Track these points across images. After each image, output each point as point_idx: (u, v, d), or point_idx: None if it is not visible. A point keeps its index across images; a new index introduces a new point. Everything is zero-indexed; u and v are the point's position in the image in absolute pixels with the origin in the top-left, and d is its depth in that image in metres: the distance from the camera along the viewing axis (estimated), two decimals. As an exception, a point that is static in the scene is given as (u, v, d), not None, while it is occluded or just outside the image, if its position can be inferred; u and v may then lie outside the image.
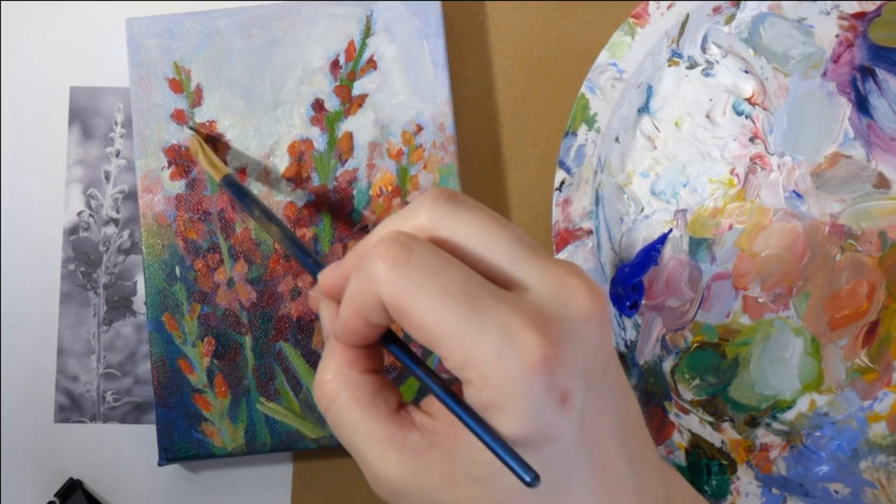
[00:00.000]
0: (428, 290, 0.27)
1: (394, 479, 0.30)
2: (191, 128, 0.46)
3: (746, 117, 0.48)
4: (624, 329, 0.47)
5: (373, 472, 0.30)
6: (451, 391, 0.29)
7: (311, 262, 0.35)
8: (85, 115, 0.50)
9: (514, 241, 0.29)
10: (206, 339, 0.45)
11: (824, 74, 0.48)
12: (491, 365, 0.27)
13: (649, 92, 0.48)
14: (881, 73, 0.48)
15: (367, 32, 0.47)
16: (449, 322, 0.27)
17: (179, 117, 0.46)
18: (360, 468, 0.31)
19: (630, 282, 0.46)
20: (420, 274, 0.28)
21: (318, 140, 0.47)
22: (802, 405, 0.47)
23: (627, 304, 0.46)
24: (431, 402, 0.31)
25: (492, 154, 0.50)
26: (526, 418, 0.27)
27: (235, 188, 0.42)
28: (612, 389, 0.29)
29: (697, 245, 0.48)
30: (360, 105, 0.47)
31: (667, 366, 0.47)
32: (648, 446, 0.31)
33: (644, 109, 0.48)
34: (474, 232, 0.29)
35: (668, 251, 0.48)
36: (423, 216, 0.29)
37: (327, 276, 0.32)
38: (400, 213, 0.30)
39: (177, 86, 0.47)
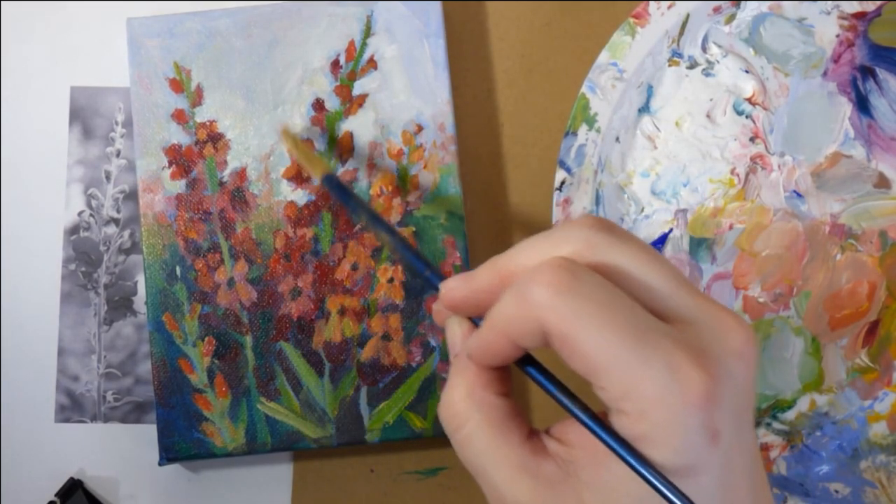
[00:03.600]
0: (595, 320, 0.27)
1: None
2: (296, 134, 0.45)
3: (747, 117, 0.48)
4: (624, 329, 0.47)
5: (501, 498, 0.30)
6: (601, 419, 0.28)
7: (430, 272, 0.33)
8: (85, 114, 0.50)
9: (671, 274, 0.29)
10: (206, 338, 0.45)
11: (825, 74, 0.48)
12: (652, 399, 0.27)
13: (650, 92, 0.48)
14: (881, 73, 0.48)
15: (368, 32, 0.47)
16: (613, 353, 0.27)
17: (180, 117, 0.46)
18: (485, 493, 0.30)
19: (630, 281, 0.46)
20: (587, 303, 0.27)
21: (319, 140, 0.47)
22: (803, 405, 0.47)
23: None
24: (566, 430, 0.30)
25: (492, 154, 0.50)
26: (678, 453, 0.27)
27: (339, 189, 0.39)
28: (749, 429, 0.29)
29: (698, 245, 0.48)
30: (360, 105, 0.47)
31: (667, 365, 0.47)
32: (767, 488, 0.31)
33: (644, 109, 0.48)
34: (634, 262, 0.29)
35: (668, 251, 0.48)
36: (578, 242, 0.29)
37: (454, 289, 0.31)
38: (547, 235, 0.30)
39: (177, 85, 0.47)
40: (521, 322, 0.28)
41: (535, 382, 0.30)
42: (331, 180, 0.40)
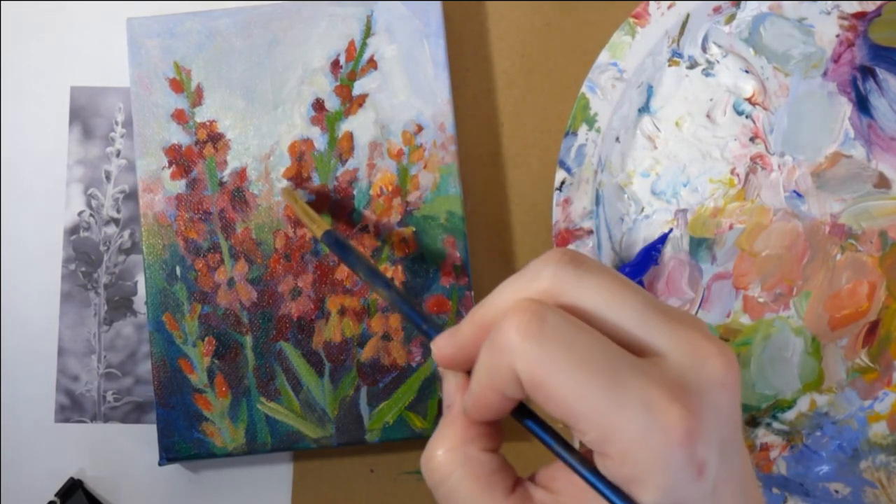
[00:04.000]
0: (565, 362, 0.26)
1: None
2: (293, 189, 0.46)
3: (747, 117, 0.48)
4: (624, 329, 0.47)
5: None
6: (595, 470, 0.28)
7: (427, 326, 0.33)
8: (85, 114, 0.50)
9: (642, 304, 0.28)
10: (206, 338, 0.45)
11: (825, 74, 0.48)
12: (633, 441, 0.26)
13: (650, 92, 0.48)
14: (881, 73, 0.48)
15: (368, 32, 0.47)
16: (588, 397, 0.26)
17: (180, 117, 0.46)
18: None
19: (630, 281, 0.46)
20: (555, 345, 0.27)
21: (319, 140, 0.47)
22: (803, 405, 0.47)
23: (628, 303, 0.46)
24: (552, 477, 0.30)
25: (492, 154, 0.50)
26: (665, 491, 0.26)
27: (338, 245, 0.40)
28: (738, 455, 0.29)
29: (698, 245, 0.48)
30: (360, 105, 0.47)
31: (667, 365, 0.47)
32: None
33: (644, 109, 0.48)
34: (602, 297, 0.28)
35: (668, 251, 0.48)
36: (545, 281, 0.28)
37: (442, 346, 0.31)
38: (519, 276, 0.29)
39: (177, 86, 0.47)
40: (497, 370, 0.28)
41: (533, 435, 0.29)
42: (330, 236, 0.40)
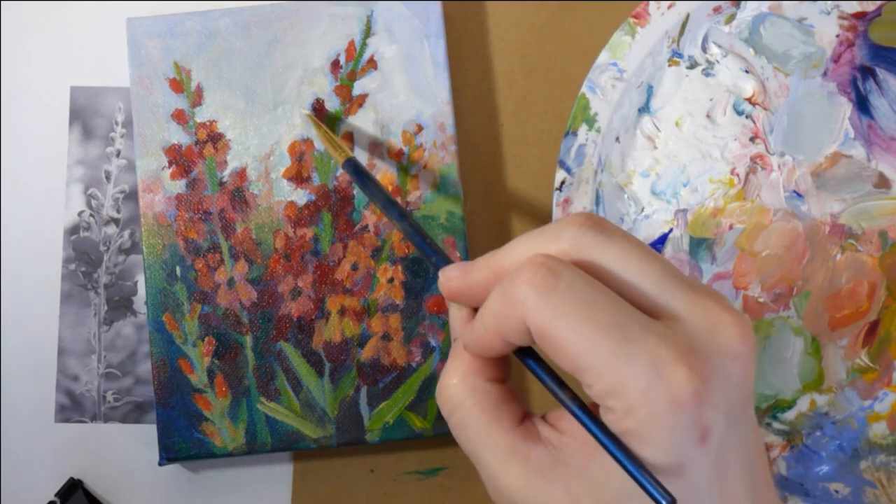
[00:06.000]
0: (576, 318, 0.27)
1: (515, 492, 0.29)
2: (314, 111, 0.46)
3: (747, 117, 0.48)
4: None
5: (494, 482, 0.30)
6: (591, 413, 0.28)
7: (437, 259, 0.34)
8: (85, 114, 0.50)
9: (661, 270, 0.28)
10: (206, 338, 0.45)
11: (825, 74, 0.48)
12: (637, 397, 0.26)
13: (650, 92, 0.48)
14: (881, 73, 0.48)
15: (368, 32, 0.47)
16: (597, 351, 0.27)
17: (180, 117, 0.46)
18: (481, 476, 0.31)
19: (630, 281, 0.46)
20: (568, 301, 0.27)
21: (319, 140, 0.47)
22: (803, 405, 0.47)
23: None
24: (560, 417, 0.30)
25: (492, 154, 0.50)
26: (665, 451, 0.27)
27: (358, 174, 0.40)
28: (747, 429, 0.29)
29: (698, 245, 0.48)
30: (360, 105, 0.47)
31: (667, 365, 0.47)
32: (771, 489, 0.31)
33: (644, 109, 0.48)
34: (622, 261, 0.28)
35: (668, 251, 0.48)
36: (566, 242, 0.29)
37: (451, 277, 0.32)
38: (540, 232, 0.30)
39: (177, 85, 0.47)
40: (506, 320, 0.28)
41: (532, 373, 0.30)
42: (351, 164, 0.41)
